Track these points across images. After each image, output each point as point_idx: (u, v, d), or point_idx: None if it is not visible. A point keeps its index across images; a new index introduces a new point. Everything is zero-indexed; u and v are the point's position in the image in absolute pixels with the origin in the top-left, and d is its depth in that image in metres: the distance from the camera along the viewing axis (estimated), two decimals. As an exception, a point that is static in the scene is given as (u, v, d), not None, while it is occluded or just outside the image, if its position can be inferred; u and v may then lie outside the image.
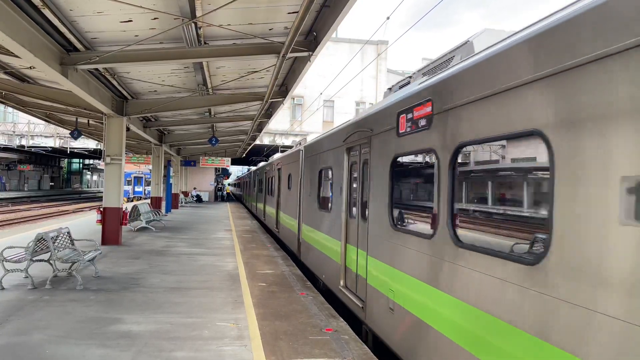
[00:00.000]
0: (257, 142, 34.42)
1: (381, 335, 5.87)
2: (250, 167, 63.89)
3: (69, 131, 19.47)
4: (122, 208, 14.31)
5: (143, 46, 9.50)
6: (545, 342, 2.97)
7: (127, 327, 6.44)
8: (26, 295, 7.97)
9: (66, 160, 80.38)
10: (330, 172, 8.97)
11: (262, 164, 27.64)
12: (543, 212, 3.17)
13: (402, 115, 5.40)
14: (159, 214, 21.38)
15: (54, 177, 74.72)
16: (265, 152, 43.96)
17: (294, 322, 6.86)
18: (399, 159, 5.59)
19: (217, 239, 16.36)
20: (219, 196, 51.57)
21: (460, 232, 4.16)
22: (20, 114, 24.36)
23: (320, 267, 9.55)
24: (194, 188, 46.53)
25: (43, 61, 8.64)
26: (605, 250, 2.56)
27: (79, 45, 9.42)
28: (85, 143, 41.03)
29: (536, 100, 3.17)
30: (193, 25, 8.47)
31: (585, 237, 2.71)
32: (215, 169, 51.00)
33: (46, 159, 66.85)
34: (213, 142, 21.62)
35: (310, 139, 13.64)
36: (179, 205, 35.52)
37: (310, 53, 9.78)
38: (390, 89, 7.03)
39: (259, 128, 23.65)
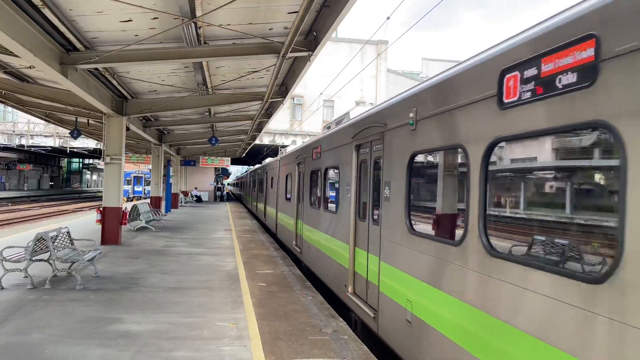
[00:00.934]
0: (257, 141, 34.38)
1: (306, 263, 11.11)
2: (250, 166, 63.96)
3: (69, 131, 19.46)
4: (121, 208, 14.31)
5: (143, 46, 9.50)
6: (347, 245, 7.54)
7: (126, 326, 6.44)
8: (26, 294, 7.97)
9: (66, 159, 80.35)
10: (290, 176, 14.10)
11: (256, 166, 32.40)
12: (334, 194, 8.75)
13: (313, 149, 10.71)
14: (159, 214, 21.38)
15: (53, 177, 74.68)
16: (265, 152, 43.92)
17: (294, 322, 6.86)
18: (312, 172, 10.70)
19: (217, 239, 16.36)
20: (218, 196, 50.60)
21: (328, 205, 9.30)
22: (20, 113, 24.34)
23: (286, 237, 14.65)
24: (195, 188, 46.43)
25: (43, 61, 8.63)
26: (346, 206, 7.83)
27: (78, 45, 9.42)
28: (85, 143, 41.01)
29: (336, 155, 8.49)
30: (193, 25, 8.46)
31: (342, 204, 7.99)
32: (215, 168, 50.92)
33: (46, 159, 66.86)
34: (213, 141, 21.62)
35: (289, 149, 18.91)
36: (179, 205, 35.51)
37: (310, 53, 9.77)
38: (324, 127, 11.84)
39: (259, 128, 23.64)
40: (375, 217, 6.36)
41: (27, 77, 12.59)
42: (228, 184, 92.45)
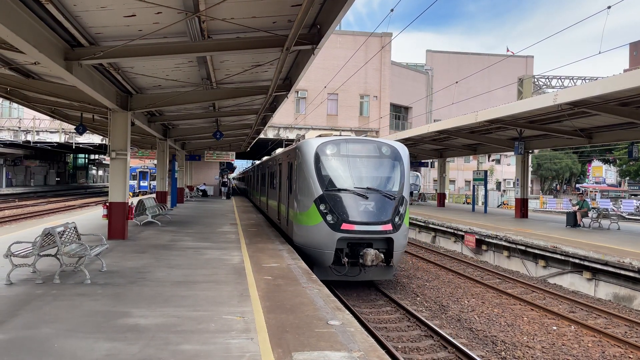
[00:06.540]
0: (262, 135, 34.39)
1: (268, 215, 22.15)
2: (255, 161, 64.05)
3: (74, 126, 19.51)
4: (127, 203, 14.37)
5: (147, 41, 9.49)
6: (276, 202, 18.61)
7: (134, 320, 6.49)
8: (34, 289, 8.04)
9: (71, 155, 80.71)
10: (267, 175, 22.70)
11: (253, 164, 42.15)
12: (276, 183, 19.90)
13: (271, 160, 22.29)
14: (165, 209, 21.46)
15: (59, 173, 75.06)
16: (270, 146, 43.87)
17: (300, 315, 6.89)
18: (270, 172, 21.73)
19: (223, 233, 16.42)
20: (224, 192, 49.32)
21: (269, 189, 22.00)
22: (26, 109, 24.45)
23: (265, 209, 23.82)
24: (193, 186, 45.91)
25: (47, 57, 8.64)
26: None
27: (83, 41, 9.42)
28: (91, 138, 41.17)
29: (277, 166, 19.45)
30: (196, 19, 8.45)
31: (276, 186, 19.12)
32: (220, 163, 50.75)
33: (52, 155, 67.16)
34: (217, 136, 21.62)
35: (264, 158, 30.47)
36: (185, 199, 35.59)
37: (314, 46, 9.72)
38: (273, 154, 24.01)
39: (263, 122, 23.63)
40: (281, 191, 16.09)
41: (32, 73, 12.62)
42: (232, 178, 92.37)
